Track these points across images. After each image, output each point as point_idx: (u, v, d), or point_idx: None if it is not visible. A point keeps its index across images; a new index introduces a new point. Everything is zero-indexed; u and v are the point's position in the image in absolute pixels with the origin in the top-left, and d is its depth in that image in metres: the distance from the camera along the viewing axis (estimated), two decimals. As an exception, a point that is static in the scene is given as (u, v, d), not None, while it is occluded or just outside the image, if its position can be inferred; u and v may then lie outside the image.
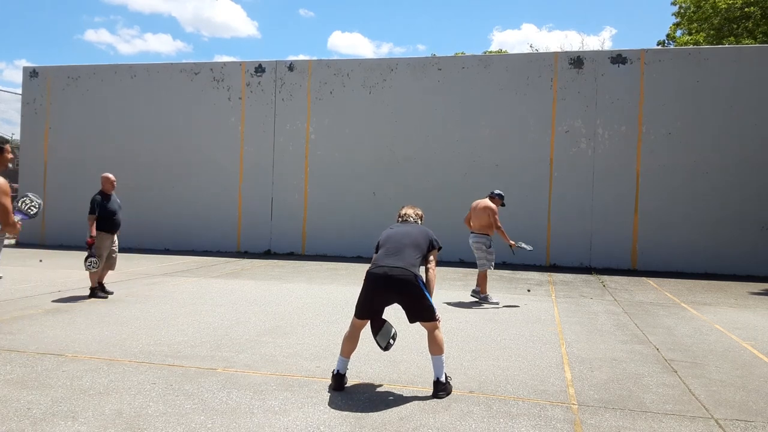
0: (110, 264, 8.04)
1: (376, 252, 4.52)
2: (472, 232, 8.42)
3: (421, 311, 4.32)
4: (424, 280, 4.39)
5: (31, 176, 16.03)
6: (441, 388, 4.23)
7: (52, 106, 15.96)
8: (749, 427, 3.84)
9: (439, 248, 4.57)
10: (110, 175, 8.17)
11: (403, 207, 4.96)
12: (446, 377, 4.30)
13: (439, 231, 15.31)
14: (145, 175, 15.23)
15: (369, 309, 4.37)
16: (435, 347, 4.31)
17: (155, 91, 15.36)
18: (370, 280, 4.33)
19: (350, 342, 4.43)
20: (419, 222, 4.80)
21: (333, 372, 4.43)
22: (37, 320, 6.41)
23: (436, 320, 4.36)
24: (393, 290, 4.28)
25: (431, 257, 4.49)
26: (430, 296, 4.37)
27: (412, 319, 4.39)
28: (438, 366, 4.28)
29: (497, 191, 8.57)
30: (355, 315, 4.43)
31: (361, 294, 4.41)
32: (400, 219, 4.83)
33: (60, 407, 3.85)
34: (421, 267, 4.43)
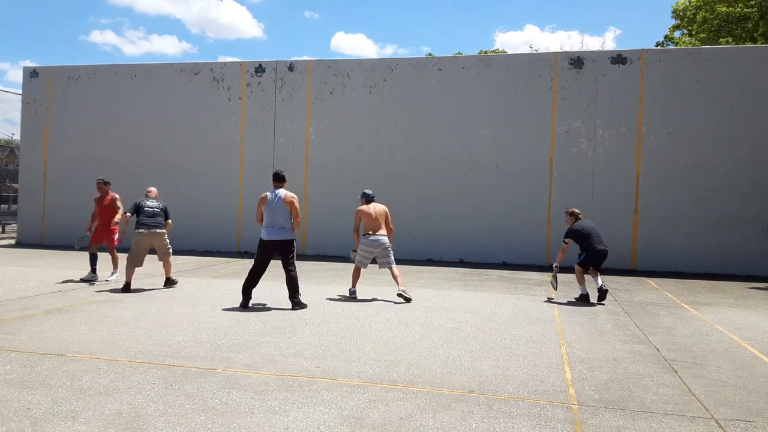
0: None
1: (579, 235, 8.46)
2: (379, 234, 8.30)
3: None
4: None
5: (31, 176, 16.03)
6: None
7: (52, 106, 15.95)
8: (749, 427, 3.84)
9: None
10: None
11: (572, 209, 8.89)
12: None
13: (440, 231, 15.13)
14: (145, 175, 15.20)
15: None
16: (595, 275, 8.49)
17: (155, 91, 15.36)
18: (597, 254, 8.34)
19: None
20: None
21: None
22: (37, 320, 6.41)
23: None
24: (604, 258, 8.47)
25: None
26: None
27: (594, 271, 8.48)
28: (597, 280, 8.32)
29: (369, 192, 8.58)
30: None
31: (588, 263, 8.45)
32: (579, 216, 8.78)
33: (60, 407, 3.85)
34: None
